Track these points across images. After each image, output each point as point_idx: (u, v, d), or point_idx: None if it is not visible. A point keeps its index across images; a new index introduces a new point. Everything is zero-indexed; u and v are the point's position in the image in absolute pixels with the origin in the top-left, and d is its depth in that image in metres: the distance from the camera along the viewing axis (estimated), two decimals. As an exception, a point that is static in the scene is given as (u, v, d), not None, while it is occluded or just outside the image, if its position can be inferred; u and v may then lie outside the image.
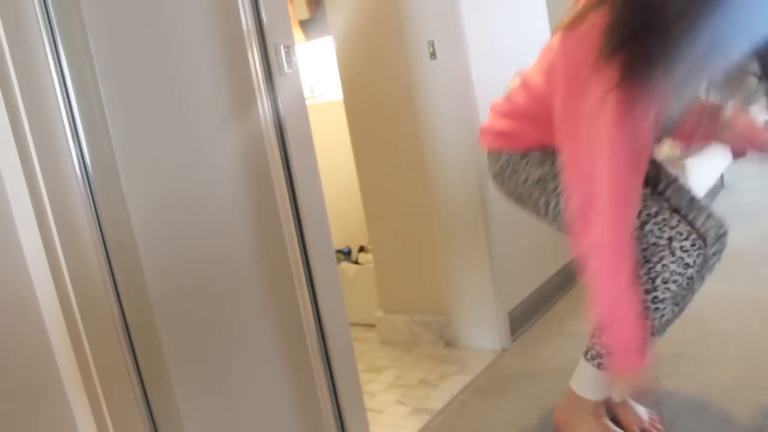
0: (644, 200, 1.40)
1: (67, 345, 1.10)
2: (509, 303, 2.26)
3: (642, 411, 1.59)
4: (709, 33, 1.06)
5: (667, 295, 1.38)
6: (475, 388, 1.96)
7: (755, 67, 1.25)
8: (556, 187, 1.47)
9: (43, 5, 1.01)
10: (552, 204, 1.49)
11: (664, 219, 1.38)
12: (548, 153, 1.48)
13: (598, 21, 1.15)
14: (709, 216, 1.47)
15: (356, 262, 2.74)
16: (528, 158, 1.53)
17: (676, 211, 1.44)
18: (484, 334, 2.23)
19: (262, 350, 1.32)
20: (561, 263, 2.67)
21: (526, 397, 1.85)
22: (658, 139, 1.50)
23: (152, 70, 1.15)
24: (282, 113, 1.33)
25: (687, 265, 1.36)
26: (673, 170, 1.84)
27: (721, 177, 3.85)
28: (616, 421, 1.57)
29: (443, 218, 2.23)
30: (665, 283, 1.36)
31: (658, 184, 1.54)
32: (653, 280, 1.36)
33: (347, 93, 2.34)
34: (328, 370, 1.42)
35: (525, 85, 1.49)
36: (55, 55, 1.02)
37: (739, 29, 1.11)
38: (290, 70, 1.35)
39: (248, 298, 1.30)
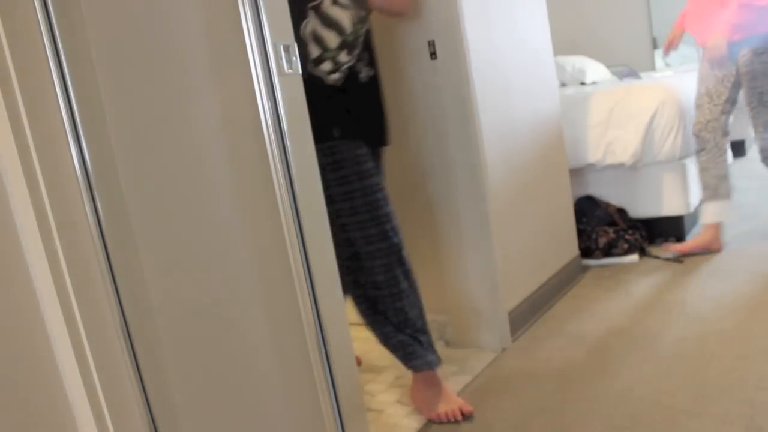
0: None
1: (67, 345, 1.10)
2: (509, 303, 2.26)
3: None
4: None
5: None
6: (475, 388, 1.96)
7: None
8: None
9: (43, 5, 1.01)
10: None
11: None
12: None
13: None
14: None
15: (356, 262, 2.74)
16: None
17: None
18: (484, 334, 2.23)
19: (261, 350, 1.32)
20: (561, 263, 2.67)
21: (526, 397, 1.85)
22: None
23: (152, 70, 1.15)
24: (282, 113, 1.33)
25: None
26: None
27: (721, 177, 3.85)
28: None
29: (443, 218, 2.23)
30: None
31: None
32: None
33: (347, 93, 2.34)
34: (328, 370, 1.42)
35: None
36: (55, 55, 1.02)
37: None
38: (290, 70, 1.35)
39: (248, 297, 1.30)
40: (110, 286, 1.09)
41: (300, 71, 1.38)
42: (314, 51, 1.65)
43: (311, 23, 1.64)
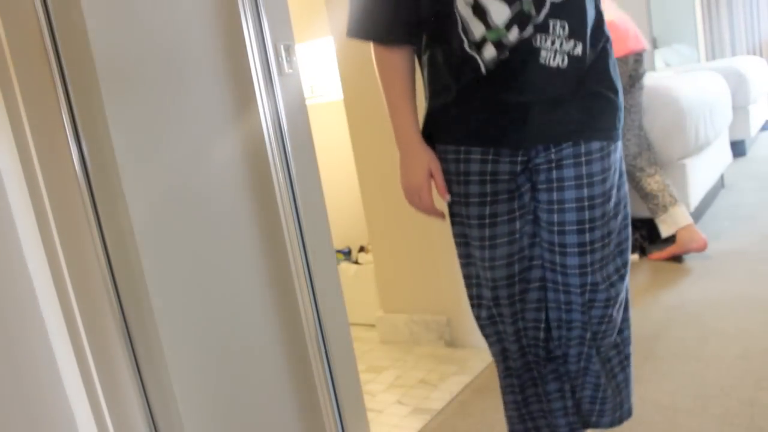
0: None
1: (67, 345, 1.10)
2: (509, 303, 2.25)
3: None
4: None
5: None
6: (475, 388, 1.96)
7: None
8: None
9: (43, 5, 1.01)
10: None
11: None
12: None
13: None
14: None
15: (356, 262, 2.74)
16: None
17: None
18: (484, 334, 2.23)
19: (262, 350, 1.32)
20: (561, 263, 2.67)
21: (526, 397, 1.85)
22: None
23: (152, 70, 1.15)
24: (282, 113, 1.33)
25: None
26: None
27: (721, 177, 3.85)
28: None
29: (443, 218, 2.23)
30: None
31: None
32: None
33: (347, 93, 2.34)
34: (328, 370, 1.42)
35: None
36: (56, 55, 1.02)
37: None
38: (290, 70, 1.35)
39: (248, 297, 1.30)
40: (110, 285, 1.09)
41: (299, 71, 1.38)
42: (477, 30, 1.13)
43: None
